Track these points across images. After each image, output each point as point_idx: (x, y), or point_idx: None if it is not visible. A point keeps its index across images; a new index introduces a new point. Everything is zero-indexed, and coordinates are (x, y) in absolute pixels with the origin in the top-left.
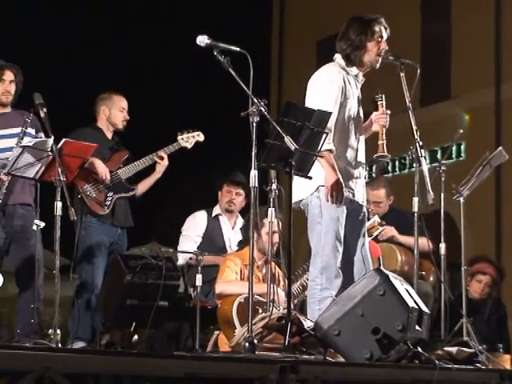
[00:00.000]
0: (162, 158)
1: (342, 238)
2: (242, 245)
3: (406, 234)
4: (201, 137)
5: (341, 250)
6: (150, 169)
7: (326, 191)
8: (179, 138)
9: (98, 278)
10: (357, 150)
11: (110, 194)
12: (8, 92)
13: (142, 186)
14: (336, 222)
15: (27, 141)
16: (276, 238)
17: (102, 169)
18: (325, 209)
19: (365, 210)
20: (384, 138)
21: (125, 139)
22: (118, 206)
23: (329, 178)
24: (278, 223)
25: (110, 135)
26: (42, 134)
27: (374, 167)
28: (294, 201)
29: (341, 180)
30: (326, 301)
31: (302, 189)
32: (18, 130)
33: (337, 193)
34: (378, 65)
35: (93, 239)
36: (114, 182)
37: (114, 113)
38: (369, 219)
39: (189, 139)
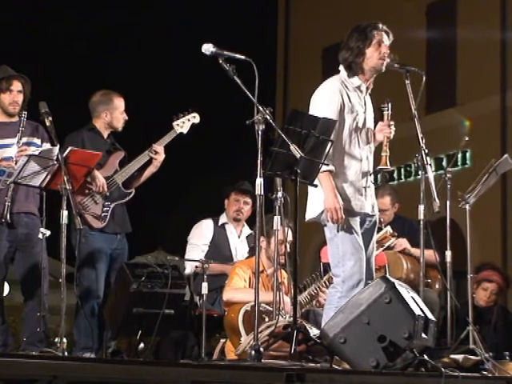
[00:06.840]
0: (156, 153)
1: (362, 244)
2: (252, 252)
3: (411, 241)
4: (196, 118)
5: (362, 256)
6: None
7: (325, 213)
8: (174, 124)
9: (100, 285)
10: (362, 160)
11: (107, 203)
12: (16, 102)
13: (137, 181)
14: (350, 229)
15: (33, 150)
16: (287, 246)
17: (100, 181)
18: None
19: (376, 218)
20: (387, 149)
21: (122, 137)
22: (115, 212)
23: (328, 200)
24: (288, 232)
25: (106, 136)
26: (47, 145)
27: (378, 176)
28: (307, 218)
29: (340, 203)
30: None
31: (311, 207)
32: (24, 139)
33: (336, 215)
34: (383, 68)
35: (93, 247)
36: (111, 190)
37: (115, 117)
38: (380, 230)
39: (184, 123)
